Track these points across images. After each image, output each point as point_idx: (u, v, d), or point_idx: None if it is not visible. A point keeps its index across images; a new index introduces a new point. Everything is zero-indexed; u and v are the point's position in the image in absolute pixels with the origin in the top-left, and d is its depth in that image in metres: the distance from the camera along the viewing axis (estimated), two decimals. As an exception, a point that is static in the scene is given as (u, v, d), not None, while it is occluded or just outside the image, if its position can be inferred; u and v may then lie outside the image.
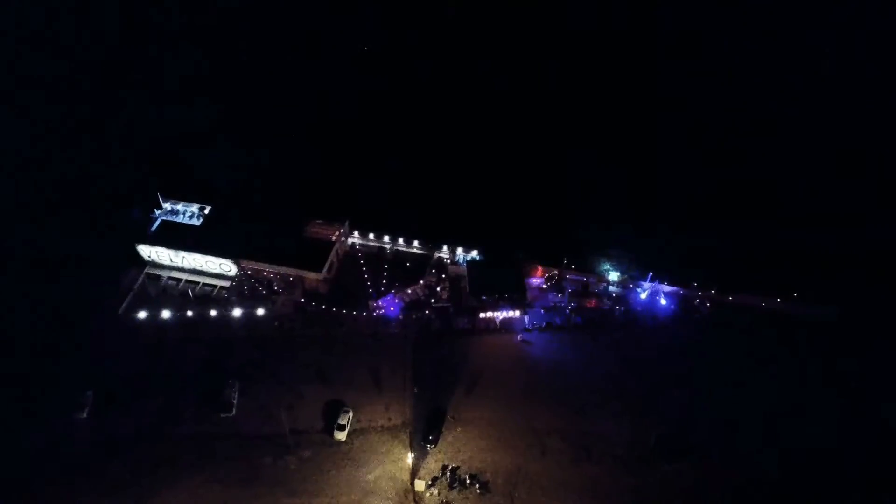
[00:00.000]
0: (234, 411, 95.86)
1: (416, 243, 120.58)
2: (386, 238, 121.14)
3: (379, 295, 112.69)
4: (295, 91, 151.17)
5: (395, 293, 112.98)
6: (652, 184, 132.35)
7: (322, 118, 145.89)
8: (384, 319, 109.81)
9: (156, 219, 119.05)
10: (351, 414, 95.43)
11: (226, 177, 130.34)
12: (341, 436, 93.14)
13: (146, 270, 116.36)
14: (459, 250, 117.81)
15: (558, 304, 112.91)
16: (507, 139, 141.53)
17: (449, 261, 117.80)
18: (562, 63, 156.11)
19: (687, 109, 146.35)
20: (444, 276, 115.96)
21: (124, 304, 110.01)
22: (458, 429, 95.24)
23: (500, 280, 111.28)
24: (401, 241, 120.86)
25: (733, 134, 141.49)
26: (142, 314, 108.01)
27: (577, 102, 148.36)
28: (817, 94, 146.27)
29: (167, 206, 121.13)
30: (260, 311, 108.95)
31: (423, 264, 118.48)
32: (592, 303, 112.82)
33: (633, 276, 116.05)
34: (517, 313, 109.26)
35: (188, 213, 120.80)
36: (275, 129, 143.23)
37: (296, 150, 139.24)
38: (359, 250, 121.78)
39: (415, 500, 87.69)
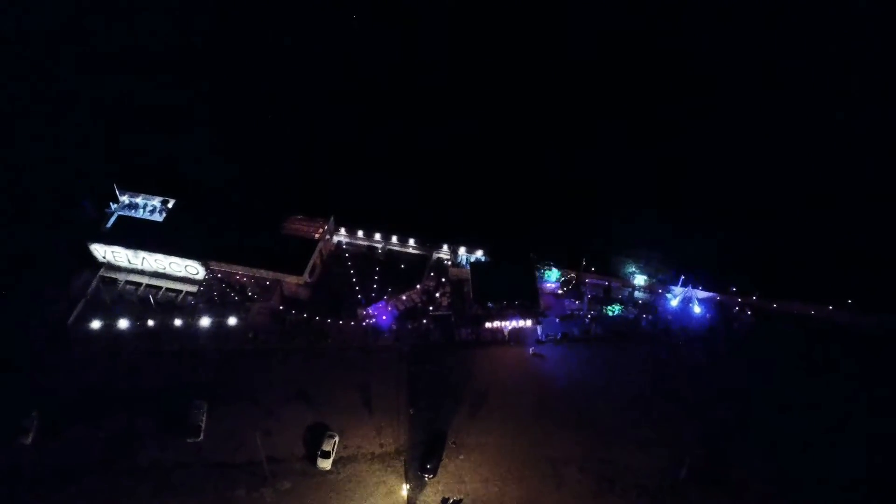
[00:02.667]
0: (201, 436, 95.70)
1: (411, 242, 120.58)
2: (377, 236, 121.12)
3: (369, 302, 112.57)
4: (274, 67, 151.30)
5: (388, 300, 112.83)
6: (684, 173, 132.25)
7: (304, 98, 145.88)
8: (375, 330, 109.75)
9: (111, 214, 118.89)
10: (337, 439, 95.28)
11: (192, 165, 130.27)
12: (326, 464, 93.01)
13: (100, 273, 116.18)
14: (462, 250, 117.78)
15: (576, 313, 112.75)
16: (516, 121, 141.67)
17: (450, 262, 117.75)
18: (582, 35, 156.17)
19: (722, 89, 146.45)
20: (444, 279, 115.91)
21: (75, 313, 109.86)
22: (461, 456, 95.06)
23: (508, 284, 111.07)
24: (394, 239, 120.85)
25: (775, 116, 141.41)
26: (95, 324, 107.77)
27: (596, 78, 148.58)
28: (875, 75, 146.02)
29: (125, 198, 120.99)
30: (232, 321, 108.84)
31: (419, 266, 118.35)
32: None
33: (662, 280, 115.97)
34: (528, 323, 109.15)
35: (149, 207, 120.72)
36: (250, 111, 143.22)
37: (274, 136, 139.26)
38: (346, 250, 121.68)
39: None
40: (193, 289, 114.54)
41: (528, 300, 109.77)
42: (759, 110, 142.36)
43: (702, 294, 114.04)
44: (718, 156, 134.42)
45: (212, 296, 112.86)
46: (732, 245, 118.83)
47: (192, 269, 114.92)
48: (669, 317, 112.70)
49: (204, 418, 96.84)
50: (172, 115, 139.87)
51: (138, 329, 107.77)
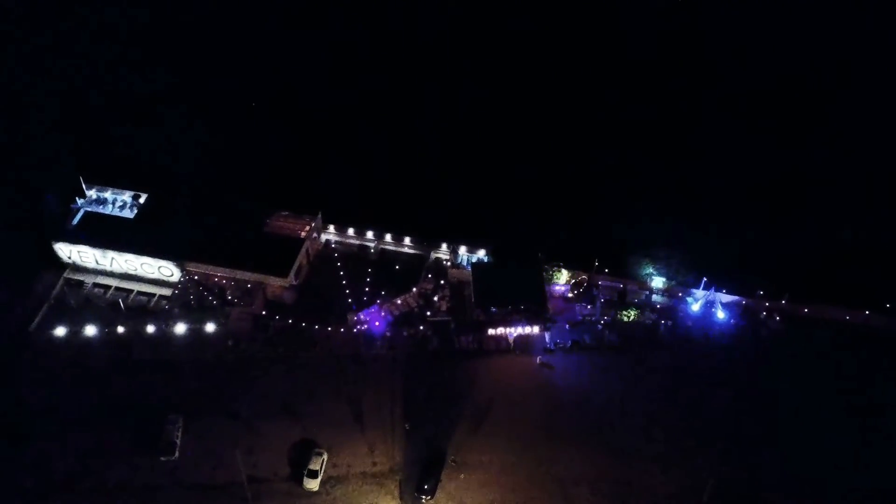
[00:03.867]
0: (176, 454, 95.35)
1: (407, 241, 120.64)
2: (369, 234, 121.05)
3: (360, 306, 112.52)
4: (258, 49, 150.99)
5: (382, 304, 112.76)
6: (705, 165, 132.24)
7: (291, 84, 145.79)
8: (367, 337, 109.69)
9: (77, 210, 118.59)
10: (325, 457, 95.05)
11: (167, 156, 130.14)
12: (313, 485, 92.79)
13: (65, 275, 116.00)
14: (462, 249, 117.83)
15: (588, 318, 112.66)
16: (520, 107, 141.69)
17: (449, 263, 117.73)
18: (594, 23, 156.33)
19: (747, 69, 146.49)
20: (442, 282, 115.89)
21: (37, 319, 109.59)
22: (462, 475, 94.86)
23: (513, 287, 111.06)
24: (388, 237, 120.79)
25: (808, 101, 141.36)
26: (60, 330, 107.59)
27: (606, 63, 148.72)
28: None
29: (92, 193, 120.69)
30: (210, 327, 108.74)
31: (416, 267, 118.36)
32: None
33: (682, 283, 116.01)
34: (535, 330, 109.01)
35: (119, 202, 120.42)
36: (231, 97, 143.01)
37: (257, 124, 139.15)
38: (335, 250, 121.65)
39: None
40: (168, 292, 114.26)
41: (535, 304, 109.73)
42: (786, 98, 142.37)
43: (726, 298, 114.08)
44: (743, 147, 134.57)
45: (188, 300, 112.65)
46: (759, 244, 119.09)
47: (167, 270, 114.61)
48: (690, 323, 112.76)
49: (179, 434, 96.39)
50: (145, 101, 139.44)
51: (107, 336, 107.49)
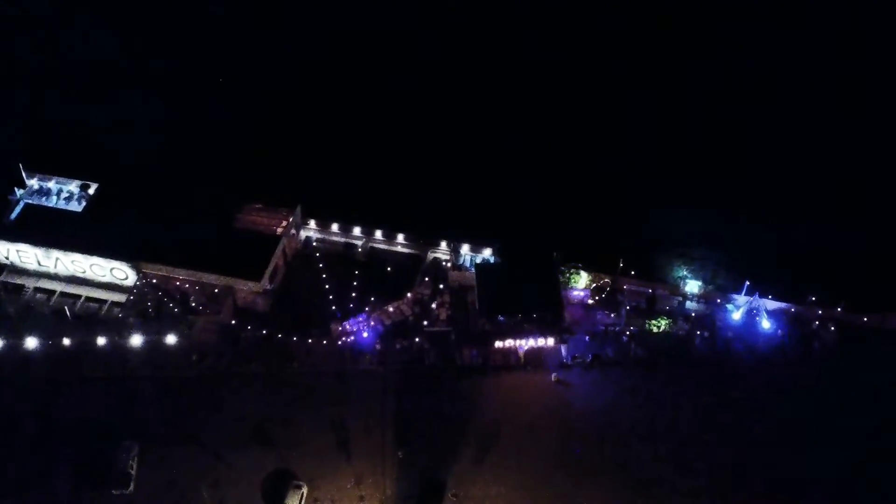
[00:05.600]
0: (131, 487, 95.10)
1: (400, 238, 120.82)
2: (357, 230, 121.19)
3: (346, 315, 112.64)
4: (229, 17, 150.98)
5: (371, 312, 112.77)
6: (748, 150, 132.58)
7: (267, 57, 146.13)
8: (354, 351, 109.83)
9: (16, 202, 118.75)
10: (305, 491, 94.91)
11: (120, 140, 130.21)
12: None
13: (1, 278, 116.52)
14: (465, 248, 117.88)
15: (611, 329, 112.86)
16: (532, 83, 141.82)
17: (449, 264, 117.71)
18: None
19: (793, 39, 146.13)
20: (441, 286, 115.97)
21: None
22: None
23: (524, 292, 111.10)
24: (379, 234, 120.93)
25: (863, 73, 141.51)
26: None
27: (633, 30, 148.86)
28: None
29: (33, 182, 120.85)
30: (170, 339, 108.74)
31: (411, 269, 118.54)
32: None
33: (721, 287, 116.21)
34: (550, 342, 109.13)
35: (65, 193, 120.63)
36: (196, 73, 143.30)
37: (226, 104, 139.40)
38: (317, 248, 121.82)
39: None
40: (121, 298, 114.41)
41: (549, 313, 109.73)
42: (844, 67, 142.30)
43: (772, 305, 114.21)
44: (793, 129, 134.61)
45: (145, 307, 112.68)
46: (811, 243, 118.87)
47: (120, 272, 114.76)
48: (730, 334, 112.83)
49: (134, 464, 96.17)
50: (95, 73, 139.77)
51: (51, 349, 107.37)
